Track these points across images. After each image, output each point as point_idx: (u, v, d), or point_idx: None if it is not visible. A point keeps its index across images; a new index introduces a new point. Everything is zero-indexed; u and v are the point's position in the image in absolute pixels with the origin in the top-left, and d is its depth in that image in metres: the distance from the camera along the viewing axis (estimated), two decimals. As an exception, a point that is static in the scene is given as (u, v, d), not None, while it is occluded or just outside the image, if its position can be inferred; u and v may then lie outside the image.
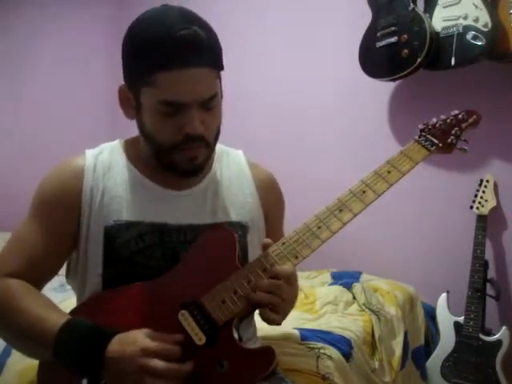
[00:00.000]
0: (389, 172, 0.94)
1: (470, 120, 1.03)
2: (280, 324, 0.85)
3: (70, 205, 0.93)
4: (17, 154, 2.73)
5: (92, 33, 3.01)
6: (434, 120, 1.04)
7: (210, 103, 0.88)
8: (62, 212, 0.92)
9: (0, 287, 0.87)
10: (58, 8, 2.89)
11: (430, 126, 1.02)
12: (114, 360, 0.76)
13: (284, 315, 0.88)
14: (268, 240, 0.89)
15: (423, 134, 1.01)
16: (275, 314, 0.83)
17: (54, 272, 0.95)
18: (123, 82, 0.93)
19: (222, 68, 0.91)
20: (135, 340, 0.77)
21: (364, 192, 0.91)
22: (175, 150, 0.89)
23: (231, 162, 1.07)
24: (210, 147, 0.93)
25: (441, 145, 1.00)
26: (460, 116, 1.03)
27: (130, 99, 0.91)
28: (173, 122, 0.87)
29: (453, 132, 1.01)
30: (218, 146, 1.07)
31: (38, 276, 0.91)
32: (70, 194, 0.93)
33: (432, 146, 0.99)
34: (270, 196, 1.08)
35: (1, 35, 2.74)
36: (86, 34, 2.99)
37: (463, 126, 1.02)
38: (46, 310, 0.84)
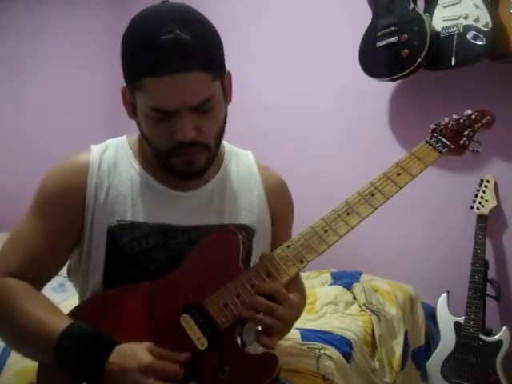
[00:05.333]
0: (398, 174, 0.91)
1: (484, 121, 0.98)
2: (272, 348, 0.81)
3: (74, 202, 0.91)
4: (16, 154, 2.73)
5: (92, 32, 3.01)
6: (446, 120, 1.00)
7: (205, 107, 0.84)
8: (65, 209, 0.91)
9: None
10: (58, 8, 2.88)
11: (441, 127, 0.98)
12: (113, 372, 0.75)
13: (279, 337, 0.85)
14: (267, 252, 0.88)
15: (435, 134, 0.98)
16: (267, 338, 0.80)
17: (55, 271, 0.94)
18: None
19: (219, 69, 0.86)
20: (135, 354, 0.76)
21: (373, 195, 0.88)
22: (172, 154, 0.87)
23: (240, 163, 1.05)
24: (210, 150, 0.90)
25: (453, 146, 0.96)
26: (473, 116, 0.99)
27: (130, 100, 0.89)
28: (164, 128, 0.84)
29: (465, 133, 0.97)
30: (228, 147, 1.06)
31: (38, 275, 0.90)
32: (74, 191, 0.91)
33: (443, 148, 0.96)
34: (279, 199, 1.06)
35: (1, 35, 2.74)
36: (86, 33, 2.99)
37: (476, 126, 0.98)
38: (46, 313, 0.83)
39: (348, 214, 0.87)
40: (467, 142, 0.97)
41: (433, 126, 0.99)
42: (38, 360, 0.89)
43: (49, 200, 0.91)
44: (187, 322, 0.82)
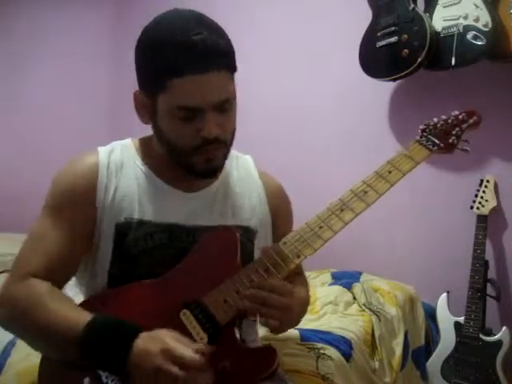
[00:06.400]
0: (390, 172, 0.94)
1: (471, 121, 1.03)
2: (279, 332, 0.84)
3: (87, 201, 0.93)
4: (16, 154, 2.73)
5: (93, 32, 3.01)
6: (435, 120, 1.04)
7: (225, 106, 0.88)
8: (79, 208, 0.92)
9: (24, 287, 0.86)
10: (58, 8, 2.88)
11: (430, 127, 1.03)
12: (137, 355, 0.76)
13: (286, 324, 0.87)
14: (267, 247, 0.90)
15: (424, 134, 1.02)
16: (272, 320, 0.82)
17: (74, 270, 0.95)
18: (137, 88, 0.93)
19: (235, 69, 0.92)
20: (160, 339, 0.77)
21: (366, 192, 0.91)
22: (195, 153, 0.90)
23: (240, 166, 1.09)
24: (227, 148, 0.94)
25: (442, 145, 1.00)
26: (461, 116, 1.03)
27: (146, 105, 0.91)
28: (190, 127, 0.88)
29: (453, 132, 1.02)
30: None
31: (58, 276, 0.91)
32: (86, 192, 0.93)
33: (433, 147, 0.99)
34: (279, 204, 1.09)
35: (1, 35, 2.74)
36: (87, 33, 2.99)
37: (464, 126, 1.02)
38: (72, 311, 0.84)
39: (342, 210, 0.90)
40: (456, 141, 1.02)
41: (422, 127, 1.04)
42: (63, 356, 0.87)
43: (64, 200, 0.93)
44: (187, 318, 0.84)
